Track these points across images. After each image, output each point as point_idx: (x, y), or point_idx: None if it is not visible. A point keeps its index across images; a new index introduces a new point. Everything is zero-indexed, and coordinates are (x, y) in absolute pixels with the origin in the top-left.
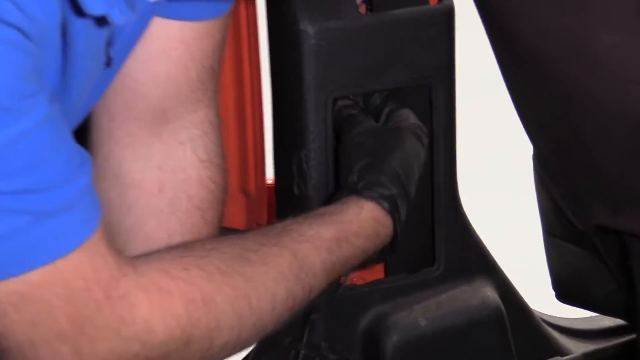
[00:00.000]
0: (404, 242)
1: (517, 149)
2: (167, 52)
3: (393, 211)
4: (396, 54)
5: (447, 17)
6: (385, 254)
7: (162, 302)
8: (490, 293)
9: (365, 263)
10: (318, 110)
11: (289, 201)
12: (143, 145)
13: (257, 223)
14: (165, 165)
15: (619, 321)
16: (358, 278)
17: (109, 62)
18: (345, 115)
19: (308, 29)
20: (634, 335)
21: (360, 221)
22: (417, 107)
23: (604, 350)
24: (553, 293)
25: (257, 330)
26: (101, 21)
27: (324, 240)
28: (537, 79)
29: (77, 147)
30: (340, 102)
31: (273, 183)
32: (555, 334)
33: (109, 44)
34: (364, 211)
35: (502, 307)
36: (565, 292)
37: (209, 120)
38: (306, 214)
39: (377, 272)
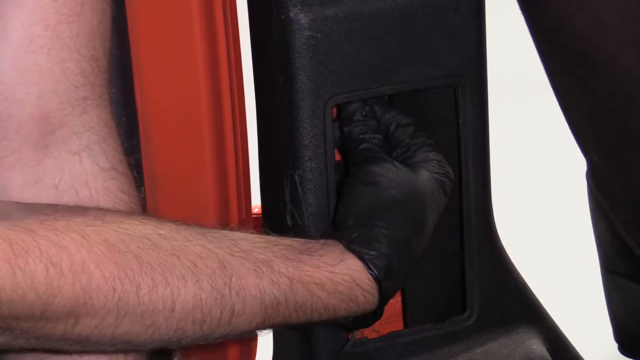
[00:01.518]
0: (428, 285)
1: (566, 165)
2: (33, 41)
3: (382, 280)
4: (412, 48)
5: (475, 1)
6: (363, 323)
7: (13, 258)
8: (536, 346)
9: (336, 324)
10: (314, 119)
11: (280, 235)
12: (31, 164)
13: None
14: (62, 183)
15: None
16: (370, 330)
17: None
18: (359, 146)
19: (300, 17)
20: None
21: (332, 274)
22: (440, 113)
23: None
24: (615, 345)
25: (146, 326)
26: None
27: (271, 271)
28: (592, 80)
29: None
30: (351, 125)
31: (260, 213)
32: None
33: None
34: (342, 265)
35: None
36: (630, 343)
37: (104, 122)
38: (268, 237)
39: (394, 323)
